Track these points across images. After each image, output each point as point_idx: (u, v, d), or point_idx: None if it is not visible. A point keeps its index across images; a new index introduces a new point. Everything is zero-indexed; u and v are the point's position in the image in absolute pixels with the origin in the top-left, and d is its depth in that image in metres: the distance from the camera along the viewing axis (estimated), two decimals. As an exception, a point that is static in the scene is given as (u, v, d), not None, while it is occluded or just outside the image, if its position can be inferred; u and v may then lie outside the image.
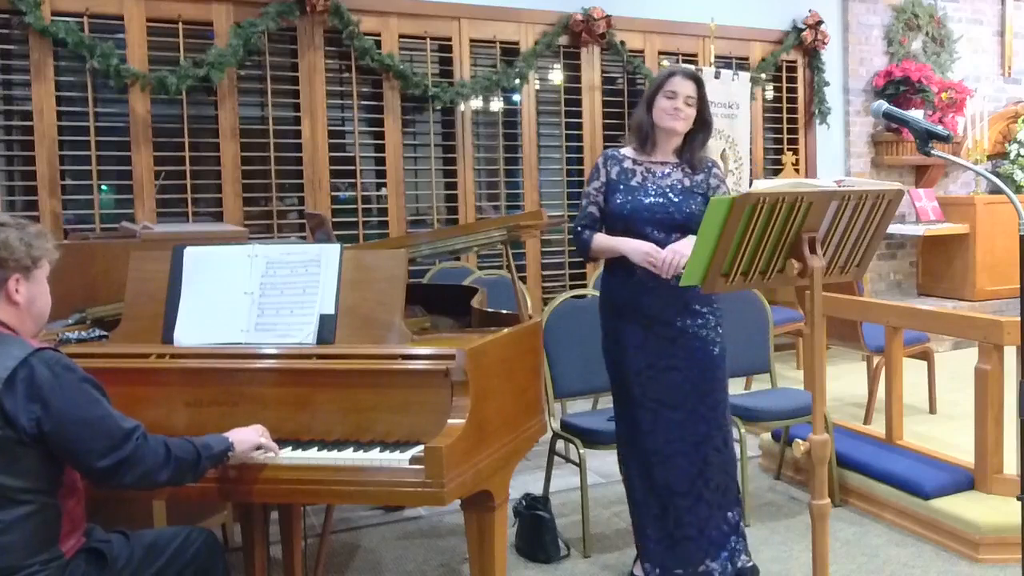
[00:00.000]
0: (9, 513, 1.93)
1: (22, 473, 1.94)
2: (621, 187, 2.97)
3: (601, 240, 2.98)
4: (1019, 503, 2.46)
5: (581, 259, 3.31)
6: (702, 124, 2.99)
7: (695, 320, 2.97)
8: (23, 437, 1.92)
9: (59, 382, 1.95)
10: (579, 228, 3.03)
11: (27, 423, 1.91)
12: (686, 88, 2.92)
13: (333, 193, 5.66)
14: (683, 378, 2.96)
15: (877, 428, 4.32)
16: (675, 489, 3.00)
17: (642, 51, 6.52)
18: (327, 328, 2.45)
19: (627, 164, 3.00)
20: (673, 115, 2.93)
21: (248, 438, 2.21)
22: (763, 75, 6.93)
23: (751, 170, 6.62)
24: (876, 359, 4.78)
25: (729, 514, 3.06)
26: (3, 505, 1.93)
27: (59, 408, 1.94)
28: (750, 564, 3.09)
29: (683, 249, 2.75)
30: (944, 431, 4.44)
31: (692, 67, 3.20)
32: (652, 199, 2.93)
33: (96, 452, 1.97)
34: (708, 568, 3.00)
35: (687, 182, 2.96)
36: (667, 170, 2.98)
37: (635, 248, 2.88)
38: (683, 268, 2.66)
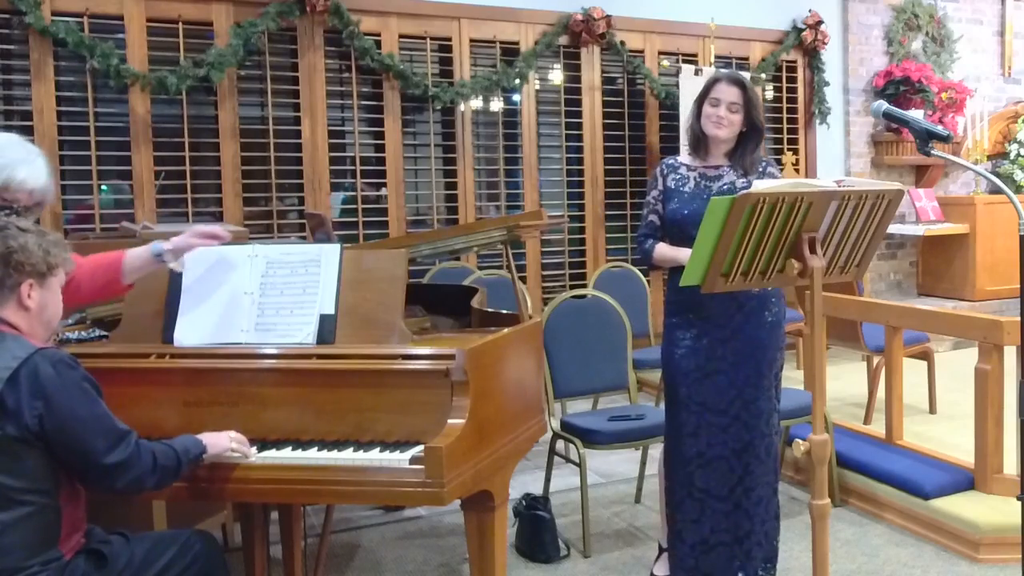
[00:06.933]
0: (9, 514, 1.93)
1: (23, 473, 1.94)
2: (676, 193, 2.98)
3: (662, 250, 2.99)
4: (1019, 503, 2.46)
5: (645, 267, 3.28)
6: (752, 128, 2.95)
7: (750, 323, 2.93)
8: (26, 434, 1.93)
9: (61, 379, 1.96)
10: (641, 238, 3.06)
11: (30, 419, 1.92)
12: (729, 95, 2.90)
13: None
14: (729, 382, 2.93)
15: (877, 428, 4.33)
16: (714, 494, 2.96)
17: (642, 51, 6.52)
18: (327, 328, 2.45)
19: (682, 171, 3.01)
20: (716, 123, 2.91)
21: (220, 442, 2.22)
22: (763, 75, 6.92)
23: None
24: (876, 359, 4.77)
25: (768, 538, 3.04)
26: (4, 506, 1.93)
27: (60, 404, 1.95)
28: None
29: None
30: (944, 431, 4.44)
31: (738, 72, 3.14)
32: (704, 203, 2.90)
33: (99, 450, 1.99)
34: None
35: (740, 183, 2.93)
36: (720, 173, 2.98)
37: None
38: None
